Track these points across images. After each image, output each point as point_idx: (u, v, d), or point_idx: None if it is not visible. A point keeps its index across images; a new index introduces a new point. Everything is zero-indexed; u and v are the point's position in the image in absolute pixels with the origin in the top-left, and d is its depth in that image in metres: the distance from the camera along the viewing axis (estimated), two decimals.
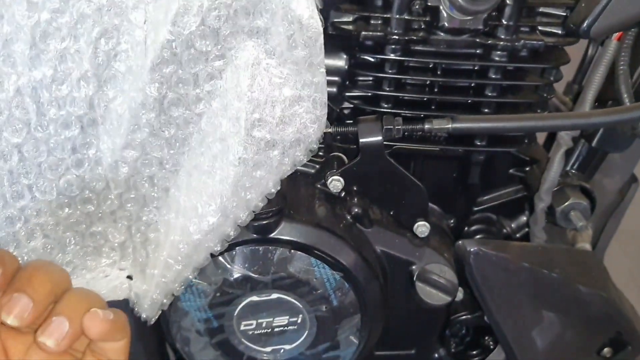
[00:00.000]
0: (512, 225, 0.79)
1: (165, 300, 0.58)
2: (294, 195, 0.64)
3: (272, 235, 0.61)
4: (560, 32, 0.62)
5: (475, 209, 0.78)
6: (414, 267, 0.66)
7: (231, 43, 0.49)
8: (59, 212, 0.55)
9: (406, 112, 0.65)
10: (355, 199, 0.65)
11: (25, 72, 0.48)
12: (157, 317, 0.60)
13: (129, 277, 0.60)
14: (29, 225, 0.54)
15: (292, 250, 0.61)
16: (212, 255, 0.58)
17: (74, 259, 0.58)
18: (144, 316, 0.59)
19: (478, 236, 0.79)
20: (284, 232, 0.61)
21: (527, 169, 0.76)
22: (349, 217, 0.65)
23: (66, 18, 0.47)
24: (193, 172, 0.55)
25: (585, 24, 0.55)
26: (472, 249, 0.66)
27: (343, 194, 0.66)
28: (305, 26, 0.48)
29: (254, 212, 0.56)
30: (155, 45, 0.48)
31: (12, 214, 0.52)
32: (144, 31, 0.48)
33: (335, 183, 0.64)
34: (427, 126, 0.61)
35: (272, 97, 0.50)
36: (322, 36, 0.49)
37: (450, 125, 0.60)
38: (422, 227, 0.67)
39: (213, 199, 0.54)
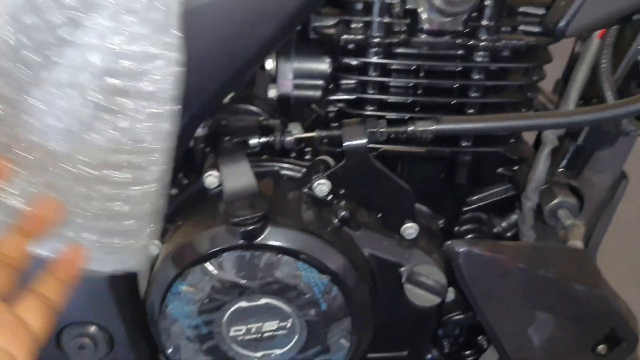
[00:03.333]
0: (503, 224, 0.79)
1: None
2: (280, 200, 0.65)
3: (258, 240, 0.61)
4: (541, 31, 0.62)
5: (465, 208, 0.77)
6: (402, 269, 0.67)
7: None
8: None
9: (391, 114, 0.66)
10: (342, 202, 0.66)
11: None
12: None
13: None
14: None
15: (279, 255, 0.61)
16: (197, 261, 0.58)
17: None
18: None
19: (469, 236, 0.79)
20: (270, 237, 0.61)
21: (516, 168, 0.75)
22: (336, 221, 0.65)
23: None
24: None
25: (561, 23, 0.55)
26: (461, 250, 0.66)
27: (330, 198, 0.66)
28: None
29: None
30: None
31: None
32: None
33: (321, 187, 0.64)
34: (410, 128, 0.61)
35: (128, 50, 0.54)
36: (177, 2, 0.53)
37: (434, 127, 0.60)
38: (410, 229, 0.67)
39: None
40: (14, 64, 0.53)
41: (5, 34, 0.51)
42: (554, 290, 0.70)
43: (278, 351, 0.66)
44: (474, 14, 0.61)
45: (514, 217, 0.79)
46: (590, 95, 0.67)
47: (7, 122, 0.55)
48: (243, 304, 0.62)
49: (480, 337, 0.81)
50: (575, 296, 0.70)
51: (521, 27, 0.63)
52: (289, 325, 0.64)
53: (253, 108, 0.73)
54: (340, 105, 0.68)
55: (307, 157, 0.71)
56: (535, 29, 0.62)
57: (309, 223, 0.64)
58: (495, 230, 0.80)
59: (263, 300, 0.63)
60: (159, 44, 0.54)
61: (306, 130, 0.68)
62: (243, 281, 0.61)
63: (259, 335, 0.64)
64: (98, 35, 0.53)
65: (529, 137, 0.81)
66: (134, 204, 0.57)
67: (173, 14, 0.53)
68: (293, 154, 0.71)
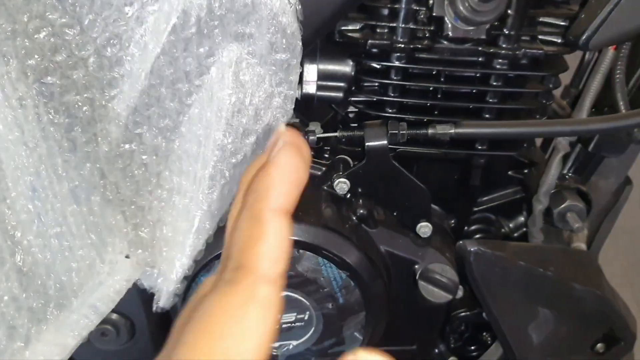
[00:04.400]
0: (511, 226, 0.82)
1: (178, 286, 0.61)
2: (301, 197, 0.66)
3: None
4: (559, 41, 0.64)
5: (475, 209, 0.80)
6: (416, 266, 0.69)
7: (220, 45, 0.54)
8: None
9: (410, 117, 0.67)
10: (361, 201, 0.68)
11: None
12: (171, 304, 0.62)
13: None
14: None
15: (301, 250, 0.63)
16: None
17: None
18: (161, 304, 0.62)
19: (477, 236, 0.81)
20: (293, 232, 0.63)
21: (526, 171, 0.78)
22: (354, 218, 0.67)
23: (75, 30, 0.52)
24: (183, 157, 0.59)
25: (584, 37, 0.57)
26: (472, 249, 0.68)
27: (349, 196, 0.68)
28: (288, 35, 0.54)
29: (230, 201, 0.60)
30: (155, 50, 0.53)
31: None
32: (145, 39, 0.53)
33: (342, 185, 0.66)
34: (430, 131, 0.63)
35: (251, 91, 0.56)
36: (300, 43, 0.55)
37: (453, 131, 0.62)
38: (424, 228, 0.69)
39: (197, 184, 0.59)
40: (157, 113, 0.56)
41: (150, 86, 0.55)
42: (558, 290, 0.73)
43: (294, 342, 0.68)
44: (497, 23, 0.62)
45: (521, 219, 0.81)
46: (603, 105, 0.69)
47: (149, 169, 0.59)
48: None
49: (484, 334, 0.84)
50: (577, 295, 0.73)
51: (540, 37, 0.64)
52: (306, 317, 0.66)
53: None
54: (360, 106, 0.69)
55: (325, 155, 0.73)
56: (554, 39, 0.64)
57: (330, 220, 0.65)
58: (502, 231, 0.82)
59: (283, 293, 0.64)
60: (280, 83, 0.57)
61: (323, 129, 0.70)
62: None
63: (278, 326, 0.66)
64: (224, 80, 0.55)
65: (537, 141, 0.83)
66: None
67: (297, 55, 0.55)
68: (312, 152, 0.72)
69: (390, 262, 0.69)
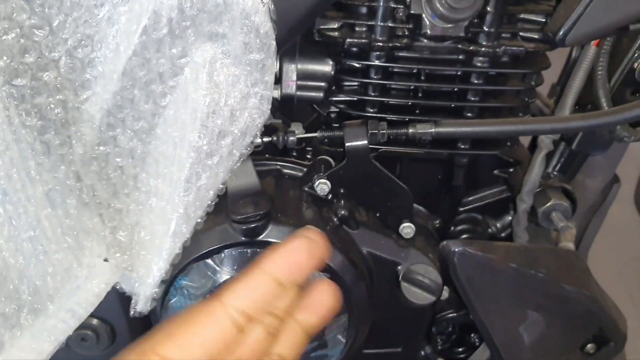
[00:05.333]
0: (497, 225, 0.81)
1: (156, 290, 0.61)
2: (281, 198, 0.66)
3: (260, 237, 0.62)
4: (540, 37, 0.64)
5: (461, 209, 0.79)
6: (399, 267, 0.68)
7: (193, 45, 0.54)
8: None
9: (391, 116, 0.67)
10: (342, 202, 0.67)
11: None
12: (149, 309, 0.62)
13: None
14: None
15: None
16: (200, 257, 0.60)
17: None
18: (138, 309, 0.61)
19: (463, 236, 0.81)
20: (272, 234, 0.62)
21: (511, 170, 0.77)
22: (335, 220, 0.66)
23: (44, 31, 0.51)
24: (159, 159, 0.59)
25: (561, 33, 0.56)
26: (456, 249, 0.67)
27: (330, 197, 0.67)
28: (261, 34, 0.53)
29: (207, 203, 0.59)
30: (127, 52, 0.52)
31: None
32: (116, 40, 0.53)
33: (322, 186, 0.66)
34: (411, 131, 0.62)
35: (226, 92, 0.55)
36: (274, 42, 0.54)
37: (433, 130, 0.62)
38: (407, 229, 0.69)
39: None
40: (131, 115, 0.56)
41: (123, 88, 0.54)
42: (545, 290, 0.72)
43: None
44: (475, 20, 0.62)
45: (508, 218, 0.80)
46: (586, 102, 0.68)
47: (125, 171, 0.59)
48: None
49: (472, 335, 0.83)
50: (565, 296, 0.72)
51: (521, 34, 0.64)
52: None
53: None
54: (341, 106, 0.69)
55: (308, 156, 0.72)
56: (535, 36, 0.63)
57: (310, 221, 0.65)
58: (489, 231, 0.81)
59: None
60: (256, 83, 0.56)
61: (306, 131, 0.69)
62: None
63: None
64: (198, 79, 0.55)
65: (525, 140, 0.83)
66: None
67: (272, 54, 0.55)
68: (294, 154, 0.72)
69: (372, 264, 0.68)
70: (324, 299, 0.47)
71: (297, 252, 0.45)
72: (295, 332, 0.45)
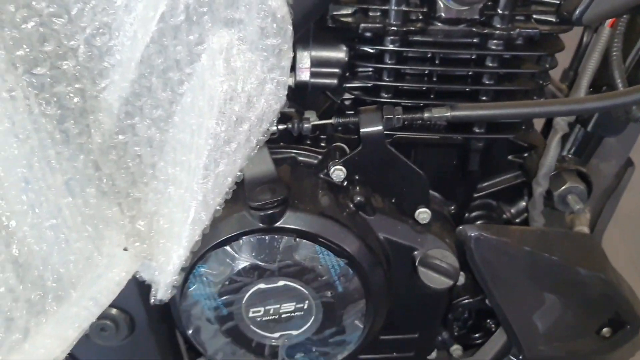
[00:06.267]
0: (512, 211, 0.81)
1: (176, 277, 0.61)
2: (298, 185, 0.66)
3: (277, 224, 0.62)
4: (554, 20, 0.63)
5: (476, 195, 0.79)
6: (416, 252, 0.68)
7: (210, 31, 0.54)
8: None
9: (406, 101, 0.67)
10: (358, 188, 0.67)
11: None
12: (169, 297, 0.62)
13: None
14: None
15: (298, 239, 0.62)
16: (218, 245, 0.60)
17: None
18: (159, 297, 0.61)
19: (478, 222, 0.81)
20: (289, 221, 0.63)
21: (526, 155, 0.77)
22: (351, 206, 0.67)
23: (63, 19, 0.51)
24: (177, 147, 0.59)
25: (577, 11, 0.56)
26: (473, 234, 0.67)
27: (345, 183, 0.67)
28: (278, 19, 0.53)
29: (226, 190, 0.59)
30: (145, 39, 0.52)
31: None
32: (134, 28, 0.53)
33: (338, 173, 0.66)
34: (426, 115, 0.62)
35: (242, 78, 0.55)
36: (291, 27, 0.54)
37: (449, 114, 0.61)
38: (423, 214, 0.69)
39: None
40: (149, 103, 0.56)
41: (141, 76, 0.54)
42: (562, 274, 0.72)
43: (295, 332, 0.68)
44: (490, 3, 0.62)
45: (522, 204, 0.80)
46: (601, 83, 0.68)
47: (144, 160, 0.59)
48: (262, 286, 0.64)
49: (488, 321, 0.83)
50: (581, 280, 0.72)
51: (535, 16, 0.64)
52: (305, 307, 0.66)
53: None
54: (356, 92, 0.69)
55: (322, 144, 0.72)
56: (549, 18, 0.63)
57: (327, 208, 0.65)
58: (504, 216, 0.81)
59: (281, 283, 0.64)
60: (272, 69, 0.56)
61: (320, 118, 0.69)
62: (262, 264, 0.63)
63: (277, 316, 0.66)
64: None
65: (538, 124, 0.82)
66: None
67: (288, 39, 0.55)
68: (308, 141, 0.72)
69: (389, 249, 0.68)
70: None
71: None
72: None
